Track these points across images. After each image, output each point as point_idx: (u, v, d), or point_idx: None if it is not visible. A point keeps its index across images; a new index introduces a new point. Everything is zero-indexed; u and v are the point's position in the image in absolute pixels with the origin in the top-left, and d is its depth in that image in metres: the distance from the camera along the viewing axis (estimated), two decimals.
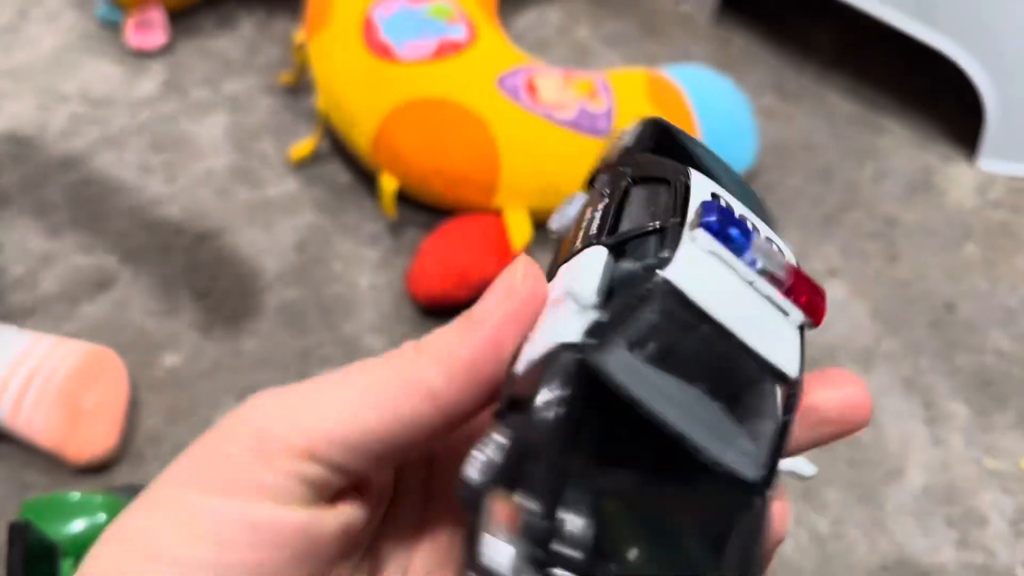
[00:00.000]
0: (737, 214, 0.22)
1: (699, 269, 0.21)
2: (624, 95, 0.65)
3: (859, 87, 0.77)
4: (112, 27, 0.80)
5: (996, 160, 0.70)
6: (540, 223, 0.65)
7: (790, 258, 0.22)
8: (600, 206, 0.23)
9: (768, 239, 0.22)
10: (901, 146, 0.73)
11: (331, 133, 0.71)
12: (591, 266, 0.21)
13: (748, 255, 0.21)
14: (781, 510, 0.23)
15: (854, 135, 0.73)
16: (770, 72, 0.78)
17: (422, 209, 0.66)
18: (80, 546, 0.46)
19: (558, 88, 0.64)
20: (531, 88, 0.63)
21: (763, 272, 0.21)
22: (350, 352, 0.61)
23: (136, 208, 0.68)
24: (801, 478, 0.23)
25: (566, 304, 0.21)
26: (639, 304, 0.20)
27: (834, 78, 0.78)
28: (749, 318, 0.21)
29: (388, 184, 0.63)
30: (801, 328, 0.21)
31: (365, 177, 0.69)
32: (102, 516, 0.46)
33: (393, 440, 0.23)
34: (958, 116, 0.73)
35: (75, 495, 0.47)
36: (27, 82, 0.76)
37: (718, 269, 0.21)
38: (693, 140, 0.25)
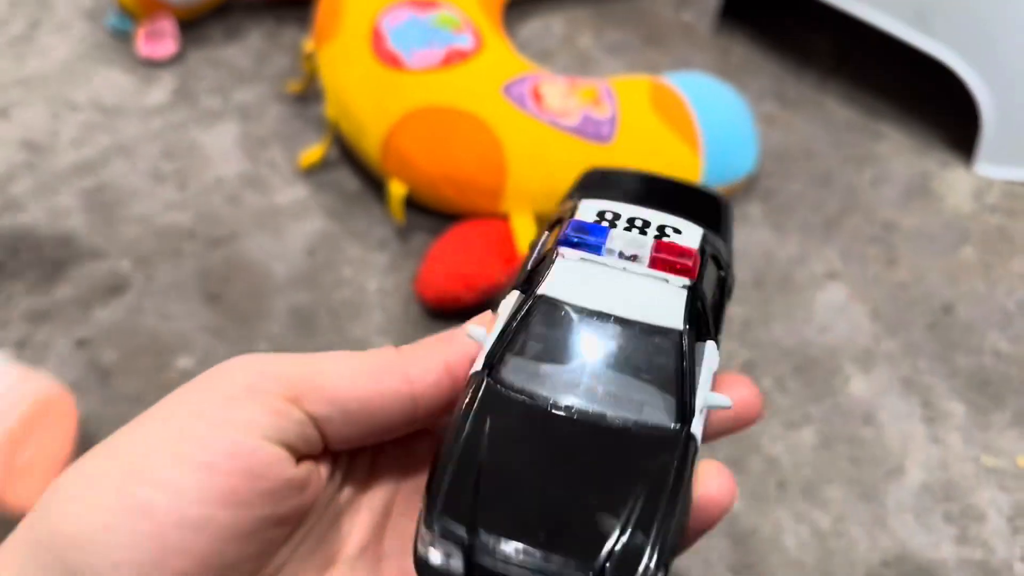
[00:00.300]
0: (593, 221, 0.25)
1: (572, 276, 0.24)
2: (627, 102, 0.66)
3: (857, 94, 0.78)
4: (122, 37, 0.81)
5: (993, 165, 0.71)
6: None
7: (679, 233, 0.25)
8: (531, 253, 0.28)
9: (632, 227, 0.25)
10: (899, 152, 0.74)
11: (339, 141, 0.73)
12: (502, 307, 0.25)
13: (607, 250, 0.24)
14: (712, 469, 0.26)
15: (853, 141, 0.75)
16: (770, 80, 0.80)
17: (429, 214, 0.68)
18: None
19: (563, 95, 0.65)
20: (537, 95, 0.64)
21: (626, 257, 0.24)
22: None
23: (148, 215, 0.69)
24: (723, 406, 0.25)
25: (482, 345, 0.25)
26: (524, 320, 0.24)
27: (833, 85, 0.79)
28: (627, 297, 0.24)
29: (397, 190, 0.65)
30: (689, 289, 0.24)
31: (373, 184, 0.71)
32: None
33: (370, 409, 0.25)
34: (955, 122, 0.75)
35: None
36: (39, 91, 0.78)
37: (591, 270, 0.24)
38: (616, 172, 0.29)
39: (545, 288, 0.25)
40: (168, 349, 0.62)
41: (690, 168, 0.65)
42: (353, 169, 0.72)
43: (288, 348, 0.62)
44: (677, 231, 0.26)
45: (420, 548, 0.24)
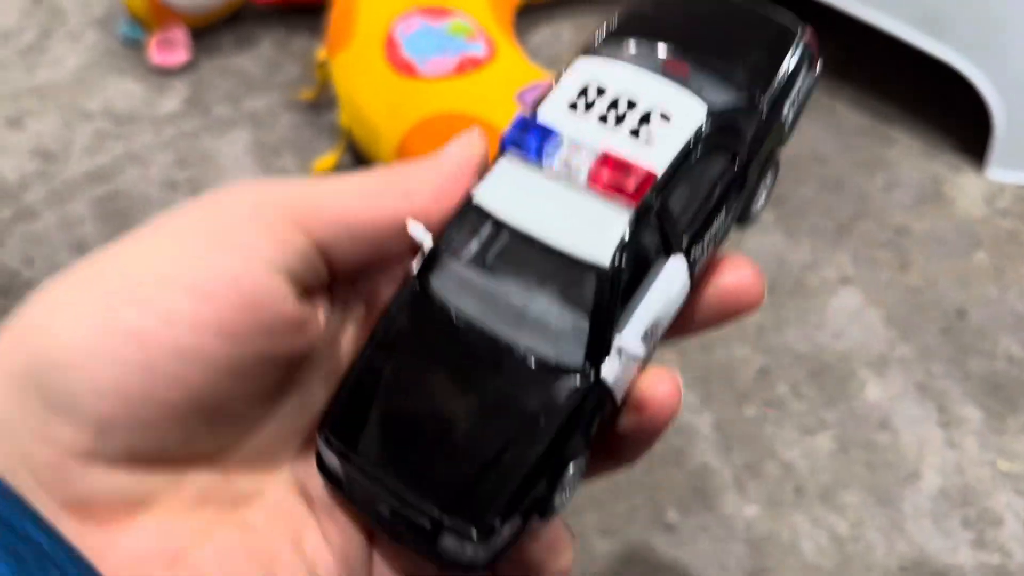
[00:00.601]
0: (546, 118, 0.23)
1: (508, 184, 0.22)
2: None
3: (867, 99, 0.78)
4: (134, 46, 0.81)
5: (1004, 169, 0.72)
6: None
7: (666, 121, 0.22)
8: None
9: (608, 115, 0.22)
10: (910, 156, 0.74)
11: (352, 148, 0.73)
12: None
13: (547, 157, 0.22)
14: (660, 374, 0.24)
15: (864, 146, 0.75)
16: None
17: None
18: None
19: None
20: None
21: (570, 170, 0.22)
22: None
23: None
24: (634, 357, 0.23)
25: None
26: (458, 225, 0.23)
27: (843, 90, 0.79)
28: (559, 218, 0.22)
29: None
30: (635, 214, 0.22)
31: None
32: None
33: (374, 230, 0.24)
34: (966, 126, 0.75)
35: None
36: (52, 100, 0.78)
37: (530, 179, 0.22)
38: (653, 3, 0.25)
39: (480, 193, 0.23)
40: None
41: None
42: None
43: None
44: (665, 117, 0.22)
45: (319, 443, 0.24)
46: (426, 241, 0.23)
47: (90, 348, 0.21)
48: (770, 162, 0.25)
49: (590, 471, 0.25)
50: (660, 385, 0.24)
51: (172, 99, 0.78)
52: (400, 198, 0.24)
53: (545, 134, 0.22)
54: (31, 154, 0.74)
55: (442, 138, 0.63)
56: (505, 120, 0.64)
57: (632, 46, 0.24)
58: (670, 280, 0.24)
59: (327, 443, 0.24)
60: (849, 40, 0.82)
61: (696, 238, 0.24)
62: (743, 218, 0.26)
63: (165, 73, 0.80)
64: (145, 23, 0.79)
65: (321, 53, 0.72)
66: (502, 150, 0.24)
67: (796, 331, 0.63)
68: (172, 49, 0.79)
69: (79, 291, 0.22)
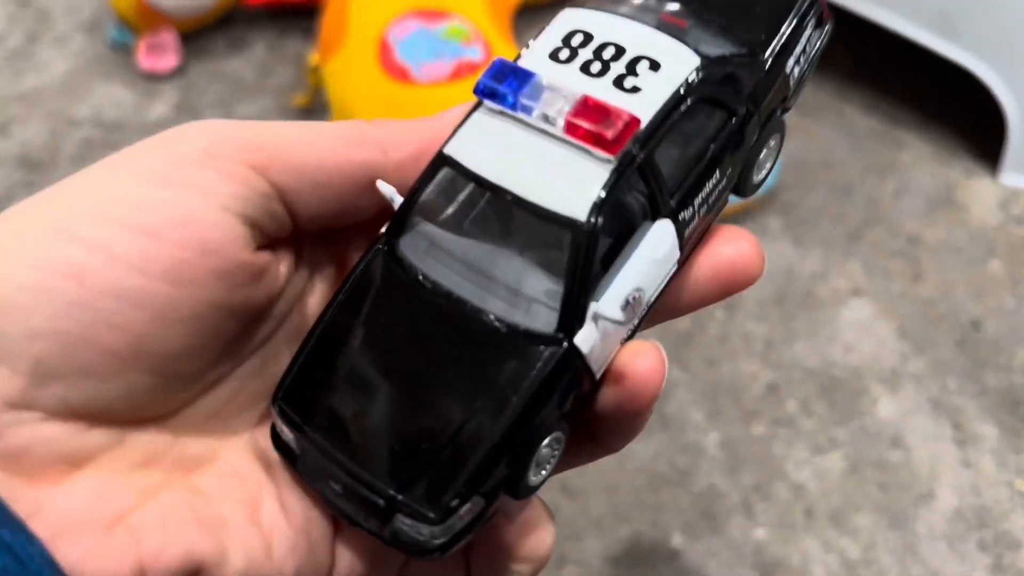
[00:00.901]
0: (525, 66, 0.21)
1: (482, 135, 0.21)
2: None
3: (878, 101, 0.76)
4: (123, 50, 0.79)
5: (1019, 174, 0.69)
6: None
7: (654, 70, 0.20)
8: None
9: (592, 63, 0.21)
10: (922, 161, 0.72)
11: None
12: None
13: (523, 107, 0.20)
14: (642, 347, 0.22)
15: (874, 150, 0.73)
16: None
17: None
18: None
19: None
20: None
21: (546, 118, 0.20)
22: None
23: None
24: (614, 321, 0.21)
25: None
26: (427, 181, 0.21)
27: (853, 92, 0.77)
28: (536, 169, 0.20)
29: None
30: (617, 165, 0.20)
31: None
32: None
33: (342, 180, 0.22)
34: (979, 130, 0.72)
35: None
36: (38, 107, 0.76)
37: (506, 129, 0.20)
38: None
39: (452, 145, 0.21)
40: None
41: None
42: None
43: None
44: (654, 66, 0.20)
45: (274, 413, 0.23)
46: (396, 199, 0.22)
47: (24, 284, 0.20)
48: (773, 124, 0.23)
49: (572, 458, 0.23)
50: (641, 358, 0.22)
51: (161, 105, 0.76)
52: (375, 150, 0.23)
53: (522, 81, 0.20)
54: (17, 163, 0.72)
55: None
56: None
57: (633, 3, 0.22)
58: (656, 244, 0.21)
59: (281, 413, 0.22)
60: (859, 41, 0.80)
61: (686, 200, 0.22)
62: (742, 186, 0.24)
63: (154, 78, 0.78)
64: (134, 27, 0.77)
65: (313, 57, 0.70)
66: (478, 100, 0.22)
67: (806, 345, 0.61)
68: (161, 54, 0.77)
69: (18, 227, 0.21)
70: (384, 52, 0.64)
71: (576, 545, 0.53)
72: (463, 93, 0.64)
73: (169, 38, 0.77)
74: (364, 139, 0.23)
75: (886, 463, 0.56)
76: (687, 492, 0.55)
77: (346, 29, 0.67)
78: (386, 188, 0.22)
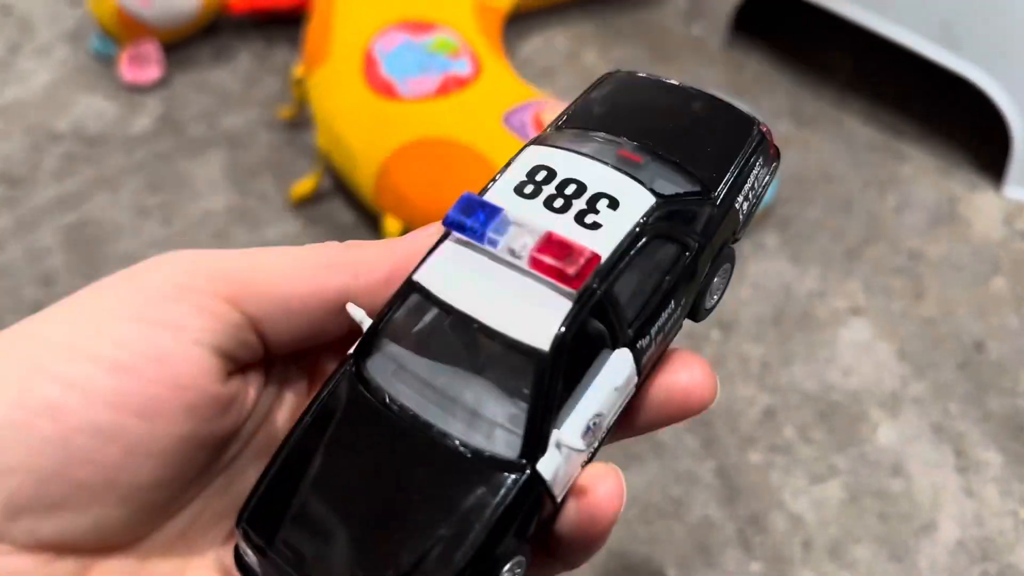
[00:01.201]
0: (492, 200, 0.22)
1: (451, 264, 0.22)
2: None
3: (878, 111, 0.74)
4: (106, 61, 0.78)
5: None
6: None
7: (613, 208, 0.21)
8: None
9: (555, 200, 0.22)
10: (924, 174, 0.70)
11: (332, 172, 0.69)
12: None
13: (490, 240, 0.21)
14: (602, 471, 0.22)
15: (875, 163, 0.71)
16: (785, 97, 0.76)
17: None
18: None
19: None
20: (539, 125, 0.61)
21: (512, 252, 0.21)
22: None
23: (132, 253, 0.66)
24: (575, 449, 0.21)
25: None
26: (397, 306, 0.22)
27: (852, 102, 0.75)
28: (502, 299, 0.21)
29: (392, 227, 0.61)
30: (578, 298, 0.21)
31: (369, 216, 0.67)
32: None
33: (314, 307, 0.23)
34: (983, 142, 0.71)
35: None
36: (18, 120, 0.74)
37: (474, 260, 0.21)
38: (630, 84, 0.25)
39: (421, 273, 0.22)
40: None
41: None
42: (347, 200, 0.69)
43: None
44: (613, 204, 0.22)
45: (237, 535, 0.23)
46: (364, 322, 0.23)
47: (2, 422, 0.20)
48: (724, 255, 0.25)
49: (532, 573, 0.23)
50: (601, 482, 0.22)
51: (144, 118, 0.74)
52: (347, 275, 0.23)
53: (490, 215, 0.21)
54: None
55: (424, 165, 0.60)
56: (490, 145, 0.60)
57: (586, 134, 0.24)
58: (615, 373, 0.22)
59: (244, 536, 0.22)
60: (858, 49, 0.78)
61: (643, 329, 0.23)
62: (695, 313, 0.25)
63: (137, 90, 0.76)
64: (116, 38, 0.75)
65: (298, 70, 0.68)
66: (447, 231, 0.23)
67: (804, 367, 0.59)
68: (144, 65, 0.75)
69: None
70: (369, 66, 0.63)
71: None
72: (449, 109, 0.62)
73: (152, 49, 0.76)
74: (336, 264, 0.23)
75: (886, 492, 0.54)
76: (681, 524, 0.53)
77: (330, 41, 0.65)
78: (356, 311, 0.23)
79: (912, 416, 0.57)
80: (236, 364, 0.23)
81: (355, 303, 0.23)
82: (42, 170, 0.71)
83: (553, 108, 0.62)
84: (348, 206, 0.68)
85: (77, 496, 0.21)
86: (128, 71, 0.75)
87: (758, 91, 0.76)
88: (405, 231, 0.62)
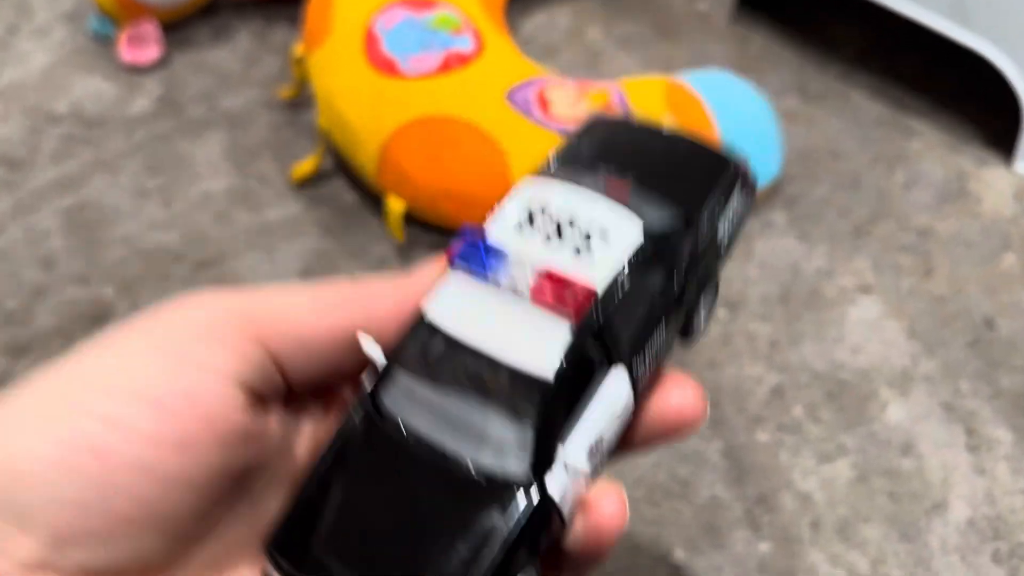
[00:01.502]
0: (493, 236, 0.24)
1: (457, 298, 0.23)
2: (641, 106, 0.61)
3: (886, 87, 0.73)
4: (104, 41, 0.77)
5: None
6: None
7: (603, 240, 0.23)
8: None
9: (553, 234, 0.23)
10: (932, 149, 0.69)
11: (334, 152, 0.68)
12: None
13: (493, 276, 0.23)
14: (607, 492, 0.24)
15: (882, 138, 0.70)
16: (792, 72, 0.75)
17: (432, 230, 0.63)
18: None
19: (571, 101, 0.61)
20: (543, 102, 0.60)
21: (514, 287, 0.23)
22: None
23: (132, 235, 0.65)
24: (579, 472, 0.23)
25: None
26: (411, 339, 0.23)
27: (860, 77, 0.74)
28: (505, 331, 0.22)
29: (395, 207, 0.60)
30: (576, 328, 0.22)
31: (371, 196, 0.66)
32: None
33: (332, 344, 0.24)
34: (993, 117, 0.70)
35: None
36: (17, 102, 0.74)
37: (478, 293, 0.23)
38: (610, 126, 0.27)
39: (429, 308, 0.24)
40: None
41: None
42: (349, 181, 0.68)
43: None
44: (604, 235, 0.23)
45: (266, 562, 0.24)
46: (378, 357, 0.24)
47: (48, 459, 0.22)
48: (709, 280, 0.26)
49: None
50: (606, 502, 0.24)
51: (143, 99, 0.74)
52: (360, 313, 0.25)
53: (492, 252, 0.23)
54: None
55: (426, 143, 0.59)
56: (493, 123, 0.59)
57: (577, 169, 0.25)
58: (613, 395, 0.24)
59: (272, 561, 0.24)
60: (866, 23, 0.77)
61: (637, 353, 0.24)
62: (686, 334, 0.27)
63: (136, 71, 0.75)
64: (114, 18, 0.74)
65: (298, 48, 0.67)
66: (452, 266, 0.24)
67: (812, 346, 0.59)
68: (143, 45, 0.74)
69: (39, 401, 0.23)
70: (370, 44, 0.62)
71: None
72: (451, 86, 0.61)
73: (150, 29, 0.75)
74: (349, 301, 0.25)
75: (896, 471, 0.54)
76: (689, 504, 0.52)
77: (331, 19, 0.64)
78: (369, 345, 0.24)
79: (922, 394, 0.57)
80: (260, 398, 0.24)
81: (368, 337, 0.25)
82: (41, 152, 0.70)
83: (557, 85, 0.61)
84: (350, 186, 0.68)
85: (119, 528, 0.22)
86: (127, 52, 0.74)
87: (764, 66, 0.75)
88: (408, 211, 0.61)
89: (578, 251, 0.23)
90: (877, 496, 0.53)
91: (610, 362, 0.23)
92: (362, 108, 0.61)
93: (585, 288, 0.22)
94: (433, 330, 0.23)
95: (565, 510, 0.23)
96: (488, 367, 0.22)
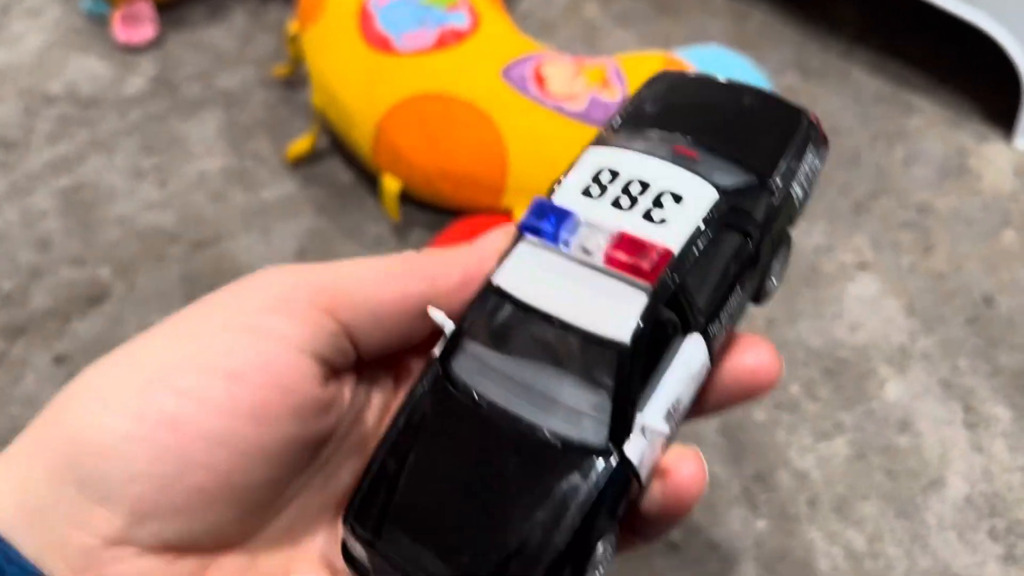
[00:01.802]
0: (561, 203, 0.23)
1: (527, 266, 0.23)
2: (638, 82, 0.61)
3: (887, 63, 0.73)
4: (98, 21, 0.76)
5: None
6: None
7: (677, 202, 0.22)
8: None
9: (621, 199, 0.23)
10: (932, 126, 0.68)
11: (329, 131, 0.68)
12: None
13: (563, 241, 0.22)
14: (685, 455, 0.24)
15: (883, 115, 0.69)
16: (792, 49, 0.74)
17: (428, 209, 0.63)
18: None
19: (568, 77, 0.60)
20: (539, 79, 0.59)
21: (586, 251, 0.22)
22: None
23: (128, 216, 0.65)
24: (658, 436, 0.23)
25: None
26: (478, 309, 0.23)
27: (860, 54, 0.73)
28: (578, 296, 0.22)
29: (390, 186, 0.60)
30: (652, 292, 0.22)
31: (367, 175, 0.66)
32: None
33: (399, 313, 0.25)
34: (993, 92, 0.69)
35: None
36: (11, 83, 0.73)
37: (548, 260, 0.23)
38: (680, 82, 0.26)
39: (499, 277, 0.23)
40: None
41: None
42: (345, 159, 0.68)
43: None
44: (677, 199, 0.23)
45: (344, 531, 0.24)
46: (447, 325, 0.24)
47: (126, 434, 0.22)
48: (783, 240, 0.26)
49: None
50: (684, 464, 0.24)
51: (138, 78, 0.73)
52: (425, 283, 0.25)
53: (561, 217, 0.23)
54: None
55: (422, 121, 0.59)
56: (489, 100, 0.58)
57: (642, 133, 0.25)
58: (690, 358, 0.24)
59: (351, 531, 0.24)
60: (867, 1, 0.76)
61: (713, 316, 0.24)
62: (758, 296, 0.26)
63: (131, 50, 0.75)
64: None
65: (293, 26, 0.67)
66: (520, 234, 0.24)
67: (810, 323, 0.59)
68: (137, 25, 0.74)
69: (115, 377, 0.23)
70: (364, 20, 0.61)
71: None
72: (446, 63, 0.61)
73: (145, 8, 0.74)
74: (414, 272, 0.25)
75: (894, 449, 0.54)
76: None
77: None
78: (437, 315, 0.24)
79: (920, 372, 0.56)
80: (333, 369, 0.24)
81: (436, 307, 0.25)
82: (36, 133, 0.70)
83: (554, 61, 0.61)
84: (346, 165, 0.67)
85: (196, 500, 0.22)
86: (121, 31, 0.74)
87: (763, 43, 0.74)
88: (404, 190, 0.60)
89: (649, 215, 0.23)
90: (874, 473, 0.53)
91: (686, 324, 0.23)
92: (356, 86, 0.60)
93: (661, 250, 0.22)
94: (503, 297, 0.23)
95: (643, 474, 0.23)
96: (561, 333, 0.22)
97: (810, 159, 0.26)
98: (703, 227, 0.23)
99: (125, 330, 0.59)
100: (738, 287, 0.24)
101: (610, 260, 0.22)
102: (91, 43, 0.76)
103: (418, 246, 0.62)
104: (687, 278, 0.22)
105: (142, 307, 0.60)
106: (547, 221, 0.23)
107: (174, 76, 0.73)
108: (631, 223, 0.22)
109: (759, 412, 0.55)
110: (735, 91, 0.26)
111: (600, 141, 0.25)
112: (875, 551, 0.50)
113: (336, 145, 0.68)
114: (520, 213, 0.61)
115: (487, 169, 0.58)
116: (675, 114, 0.25)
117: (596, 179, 0.24)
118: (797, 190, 0.25)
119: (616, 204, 0.23)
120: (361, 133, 0.60)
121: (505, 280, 0.23)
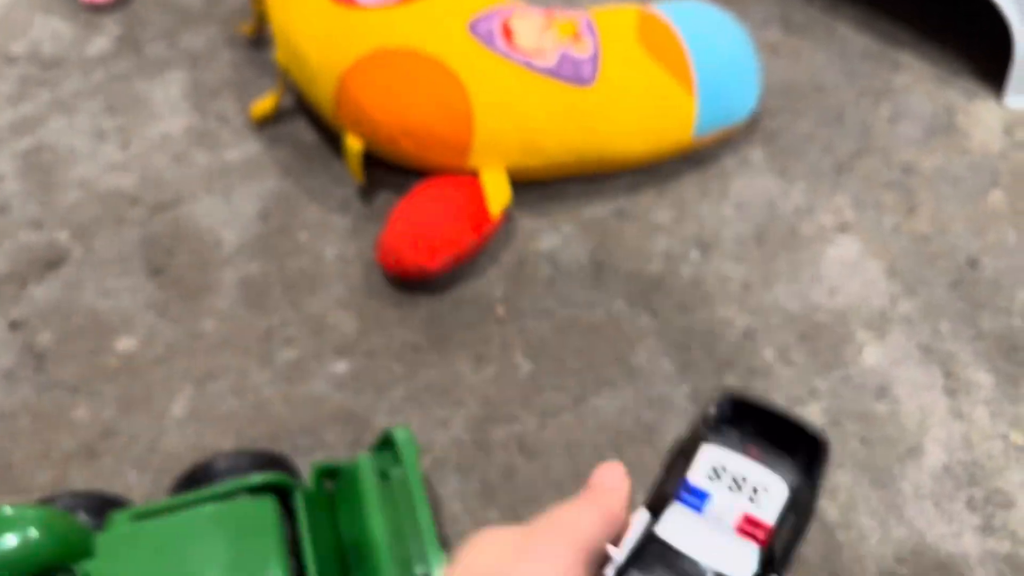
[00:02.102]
0: (701, 482, 0.31)
1: (679, 523, 0.31)
2: (611, 37, 0.58)
3: (873, 18, 0.70)
4: None
5: None
6: (519, 183, 0.59)
7: (766, 492, 0.31)
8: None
9: (732, 488, 0.31)
10: (920, 83, 0.66)
11: (293, 89, 0.66)
12: (633, 527, 0.31)
13: (705, 511, 0.31)
14: None
15: (868, 72, 0.67)
16: (775, 3, 0.71)
17: (397, 169, 0.61)
18: (13, 563, 0.43)
19: (537, 32, 0.58)
20: (507, 32, 0.57)
21: (719, 519, 0.30)
22: (315, 331, 0.56)
23: (88, 178, 0.63)
24: None
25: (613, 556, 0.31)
26: (642, 549, 0.30)
27: (846, 8, 0.71)
28: (714, 548, 0.30)
29: (353, 145, 0.58)
30: (761, 550, 0.30)
31: (333, 135, 0.64)
32: (33, 531, 0.42)
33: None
34: (983, 49, 0.66)
35: (7, 509, 0.43)
36: None
37: (694, 519, 0.31)
38: (744, 403, 0.34)
39: (659, 528, 0.30)
40: (108, 329, 0.56)
41: (683, 110, 0.58)
42: (311, 119, 0.66)
43: (237, 327, 0.56)
44: (766, 490, 0.32)
45: None
46: (617, 558, 0.30)
47: None
48: (809, 519, 0.34)
49: None
50: None
51: (102, 38, 0.71)
52: (588, 559, 0.30)
53: (701, 495, 0.31)
54: None
55: (385, 77, 0.56)
56: (456, 56, 0.56)
57: (727, 437, 0.33)
58: None
59: None
60: None
61: (783, 562, 0.32)
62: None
63: (95, 10, 0.72)
64: None
65: None
66: (673, 499, 0.31)
67: (787, 287, 0.57)
68: None
69: None
70: None
71: (535, 508, 0.49)
72: (411, 17, 0.58)
73: None
74: (580, 552, 0.29)
75: (870, 415, 0.52)
76: (653, 450, 0.51)
77: None
78: (612, 551, 0.31)
79: (900, 336, 0.54)
80: None
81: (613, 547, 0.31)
82: None
83: (522, 15, 0.58)
84: (312, 125, 0.65)
85: None
86: None
87: None
88: (368, 150, 0.58)
89: (752, 499, 0.32)
90: (849, 441, 0.51)
91: (774, 569, 0.31)
92: (319, 41, 0.58)
93: (768, 526, 0.31)
94: (663, 544, 0.31)
95: None
96: (702, 572, 0.30)
97: (825, 468, 0.33)
98: (784, 510, 0.31)
99: (82, 295, 0.58)
100: (796, 546, 0.32)
101: (740, 530, 0.31)
102: (54, 3, 0.74)
103: (385, 210, 0.60)
104: (775, 542, 0.31)
105: (100, 271, 0.59)
106: (692, 495, 0.31)
107: (139, 36, 0.71)
108: (746, 504, 0.31)
109: (731, 377, 0.53)
110: (777, 417, 0.34)
111: (707, 439, 0.33)
112: (848, 521, 0.48)
113: (302, 105, 0.66)
114: (488, 174, 0.59)
115: (452, 127, 0.56)
116: (744, 428, 0.34)
117: (715, 471, 0.32)
118: (819, 487, 0.33)
119: (730, 489, 0.32)
120: (323, 90, 0.58)
121: (664, 532, 0.31)
